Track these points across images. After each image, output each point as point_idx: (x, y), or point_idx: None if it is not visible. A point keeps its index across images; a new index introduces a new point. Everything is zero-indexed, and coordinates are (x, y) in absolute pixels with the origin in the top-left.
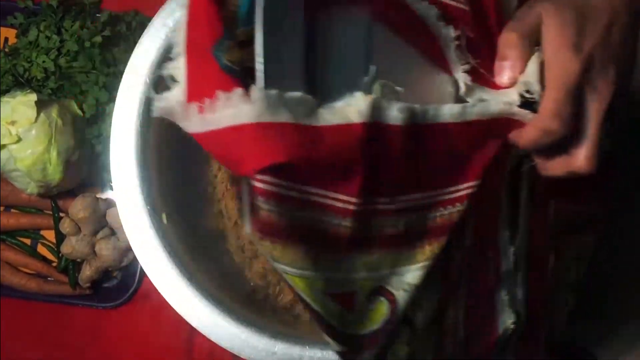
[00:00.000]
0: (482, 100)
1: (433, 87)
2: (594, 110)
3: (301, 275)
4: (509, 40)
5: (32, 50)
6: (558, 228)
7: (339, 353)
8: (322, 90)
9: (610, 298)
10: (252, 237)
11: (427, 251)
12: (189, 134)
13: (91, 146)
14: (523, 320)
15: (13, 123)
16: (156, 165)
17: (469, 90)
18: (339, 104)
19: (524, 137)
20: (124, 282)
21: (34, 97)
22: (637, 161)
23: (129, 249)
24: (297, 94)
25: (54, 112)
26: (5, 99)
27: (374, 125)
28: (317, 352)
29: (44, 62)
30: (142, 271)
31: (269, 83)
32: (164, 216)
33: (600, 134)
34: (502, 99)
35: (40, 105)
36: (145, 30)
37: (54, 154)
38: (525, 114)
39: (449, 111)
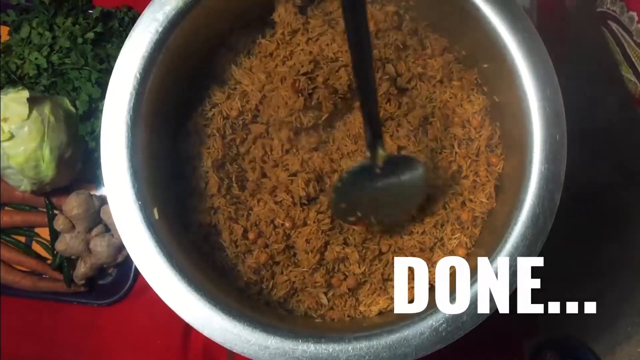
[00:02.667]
0: None
1: None
2: None
3: None
4: None
5: (24, 47)
6: None
7: None
8: None
9: (606, 294)
10: None
11: None
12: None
13: (84, 143)
14: None
15: (5, 120)
16: (147, 161)
17: None
18: None
19: None
20: (119, 279)
21: (26, 94)
22: None
23: (123, 246)
24: None
25: (46, 109)
26: None
27: None
28: (310, 346)
29: (36, 59)
30: (137, 268)
31: None
32: (155, 211)
33: None
34: None
35: (33, 102)
36: (135, 25)
37: (46, 150)
38: None
39: None
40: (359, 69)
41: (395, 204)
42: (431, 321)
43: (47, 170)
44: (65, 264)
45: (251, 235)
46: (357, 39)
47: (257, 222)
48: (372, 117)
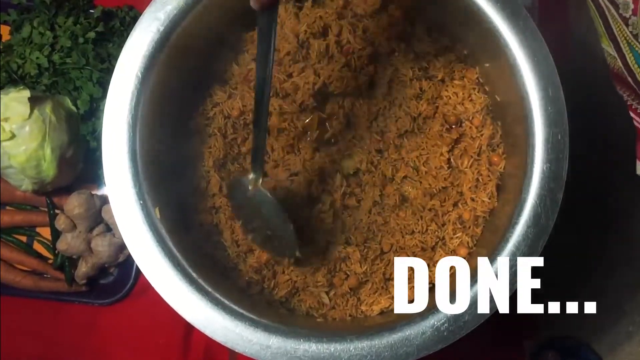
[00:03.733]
0: None
1: None
2: None
3: None
4: None
5: (25, 46)
6: None
7: None
8: None
9: (607, 293)
10: None
11: None
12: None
13: (86, 142)
14: None
15: (6, 119)
16: (148, 160)
17: None
18: None
19: None
20: (120, 278)
21: (27, 93)
22: None
23: (124, 245)
24: None
25: (47, 108)
26: None
27: None
28: (311, 346)
29: (37, 58)
30: (138, 267)
31: None
32: (157, 211)
33: None
34: None
35: (34, 102)
36: (136, 24)
37: (47, 150)
38: None
39: None
40: (258, 106)
41: (266, 225)
42: (433, 320)
43: (49, 169)
44: (67, 263)
45: None
46: (262, 74)
47: None
48: (258, 149)
